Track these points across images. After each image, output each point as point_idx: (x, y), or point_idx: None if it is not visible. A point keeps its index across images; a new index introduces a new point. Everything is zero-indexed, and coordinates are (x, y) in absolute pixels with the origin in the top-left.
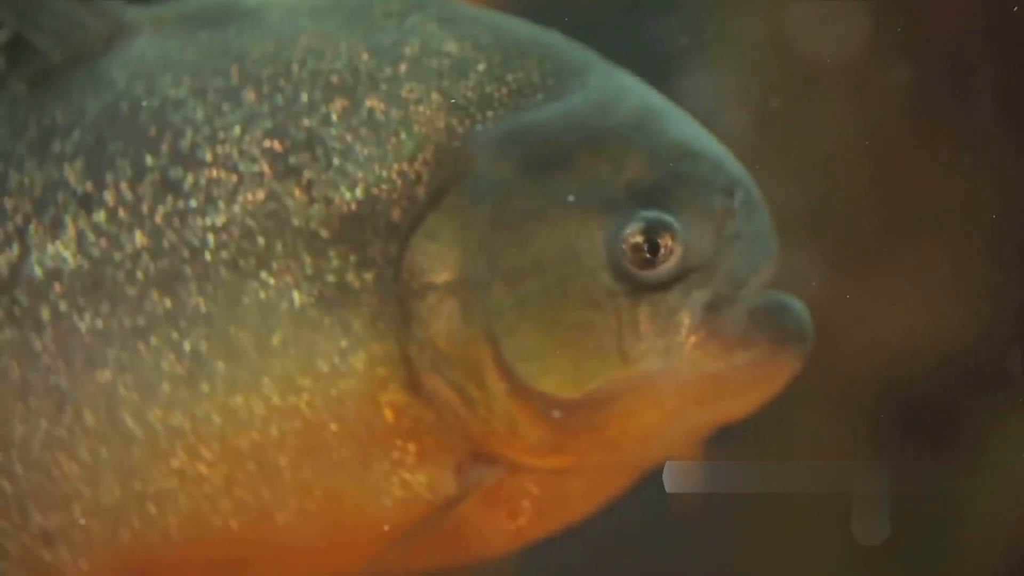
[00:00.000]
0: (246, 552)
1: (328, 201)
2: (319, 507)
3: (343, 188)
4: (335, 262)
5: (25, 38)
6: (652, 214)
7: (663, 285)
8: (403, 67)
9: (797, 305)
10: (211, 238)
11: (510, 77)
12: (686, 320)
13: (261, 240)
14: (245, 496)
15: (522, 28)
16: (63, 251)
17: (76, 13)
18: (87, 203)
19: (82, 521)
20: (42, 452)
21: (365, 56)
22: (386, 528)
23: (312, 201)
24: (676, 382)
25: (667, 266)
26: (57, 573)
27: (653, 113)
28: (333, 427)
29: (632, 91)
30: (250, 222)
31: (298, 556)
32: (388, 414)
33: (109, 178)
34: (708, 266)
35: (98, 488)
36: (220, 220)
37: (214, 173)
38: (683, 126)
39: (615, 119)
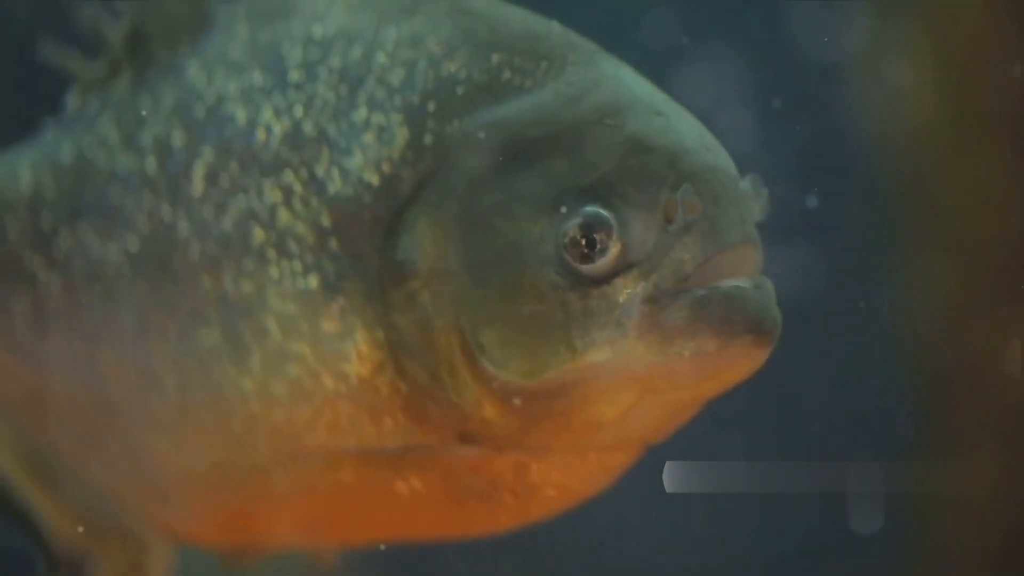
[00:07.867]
0: (304, 510)
1: (329, 193)
2: (343, 473)
3: (340, 181)
4: (335, 251)
5: (141, 30)
6: (591, 210)
7: (602, 279)
8: (396, 63)
9: (754, 295)
10: (239, 227)
11: (491, 72)
12: (625, 313)
13: (281, 229)
14: (285, 463)
15: (518, 20)
16: (133, 237)
17: (175, 6)
18: (154, 191)
19: (185, 486)
20: (144, 429)
21: (374, 53)
22: (390, 494)
23: (318, 193)
24: (625, 373)
25: (605, 261)
26: (172, 527)
27: (617, 107)
28: (346, 405)
29: (605, 83)
30: (270, 212)
31: (330, 521)
32: (386, 394)
33: (171, 169)
34: (649, 260)
35: (188, 459)
36: (246, 210)
37: (245, 165)
38: (649, 120)
39: (576, 114)
